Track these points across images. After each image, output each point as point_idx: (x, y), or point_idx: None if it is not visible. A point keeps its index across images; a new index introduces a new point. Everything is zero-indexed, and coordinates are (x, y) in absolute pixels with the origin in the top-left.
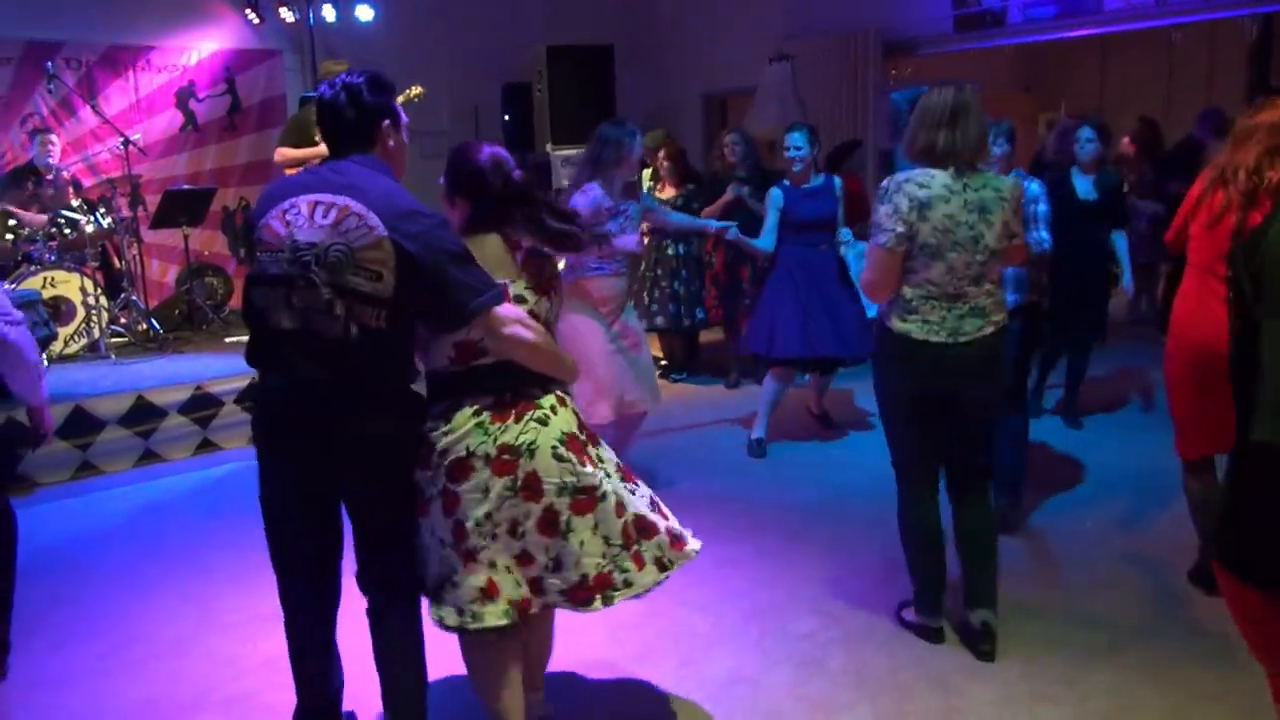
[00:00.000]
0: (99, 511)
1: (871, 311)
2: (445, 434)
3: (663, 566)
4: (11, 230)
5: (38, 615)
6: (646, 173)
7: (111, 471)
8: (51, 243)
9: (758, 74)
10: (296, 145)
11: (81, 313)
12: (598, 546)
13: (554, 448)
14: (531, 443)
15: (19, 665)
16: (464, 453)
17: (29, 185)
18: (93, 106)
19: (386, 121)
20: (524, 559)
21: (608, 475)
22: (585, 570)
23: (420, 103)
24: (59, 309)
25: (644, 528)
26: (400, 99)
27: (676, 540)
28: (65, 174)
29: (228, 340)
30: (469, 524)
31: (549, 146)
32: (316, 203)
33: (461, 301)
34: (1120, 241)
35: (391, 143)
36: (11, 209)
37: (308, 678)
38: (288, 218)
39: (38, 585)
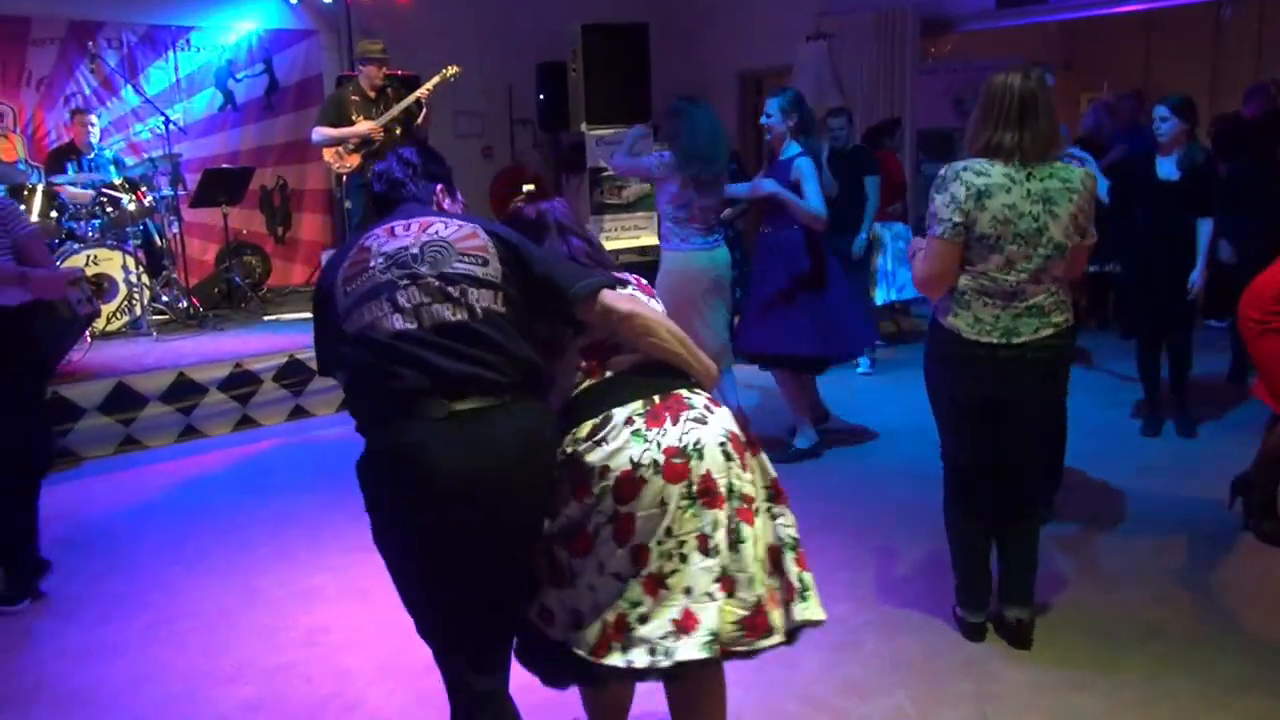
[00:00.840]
0: (142, 486)
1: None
2: (598, 447)
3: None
4: (56, 208)
5: (86, 586)
6: None
7: (153, 446)
8: (94, 220)
9: (793, 52)
10: (335, 124)
11: (124, 290)
12: (761, 566)
13: (721, 444)
14: (697, 442)
15: (70, 634)
16: (628, 465)
17: (71, 164)
18: (133, 86)
19: (440, 187)
20: (725, 581)
21: (762, 487)
22: (759, 592)
23: (455, 82)
24: (102, 286)
25: (775, 562)
26: (436, 79)
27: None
28: (107, 153)
29: (265, 318)
30: (651, 545)
31: (584, 126)
32: (391, 226)
33: (569, 281)
34: (1203, 227)
35: (457, 201)
36: (56, 187)
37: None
38: (365, 244)
39: (86, 556)
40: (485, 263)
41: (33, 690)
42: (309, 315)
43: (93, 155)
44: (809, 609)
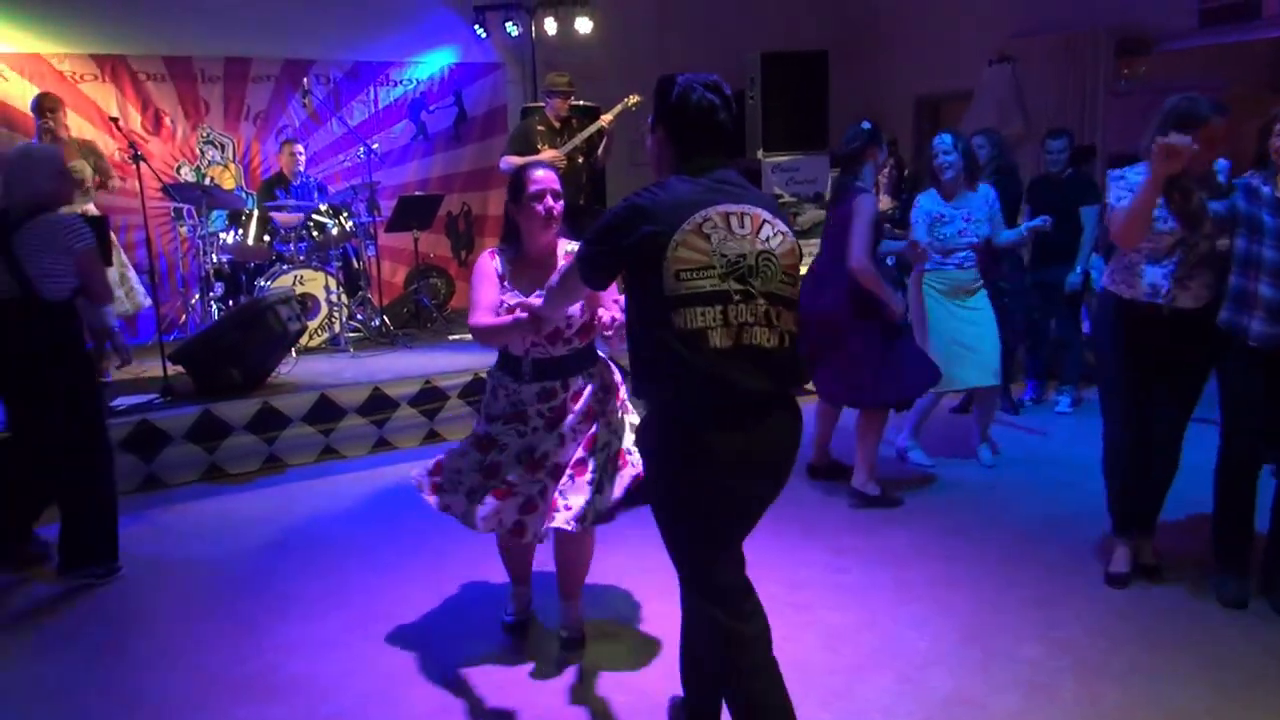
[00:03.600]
0: (340, 493)
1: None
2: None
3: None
4: (269, 232)
5: (294, 584)
6: None
7: (350, 456)
8: (301, 243)
9: (974, 76)
10: (522, 153)
11: (325, 309)
12: None
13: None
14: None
15: (282, 630)
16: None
17: (280, 191)
18: (338, 119)
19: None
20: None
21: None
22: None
23: (634, 111)
24: (306, 305)
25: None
26: (617, 108)
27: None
28: (312, 181)
29: (450, 338)
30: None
31: (760, 153)
32: (728, 213)
33: None
34: None
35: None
36: (270, 212)
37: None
38: (705, 230)
39: (293, 557)
40: (795, 282)
41: (254, 679)
42: None
43: (299, 183)
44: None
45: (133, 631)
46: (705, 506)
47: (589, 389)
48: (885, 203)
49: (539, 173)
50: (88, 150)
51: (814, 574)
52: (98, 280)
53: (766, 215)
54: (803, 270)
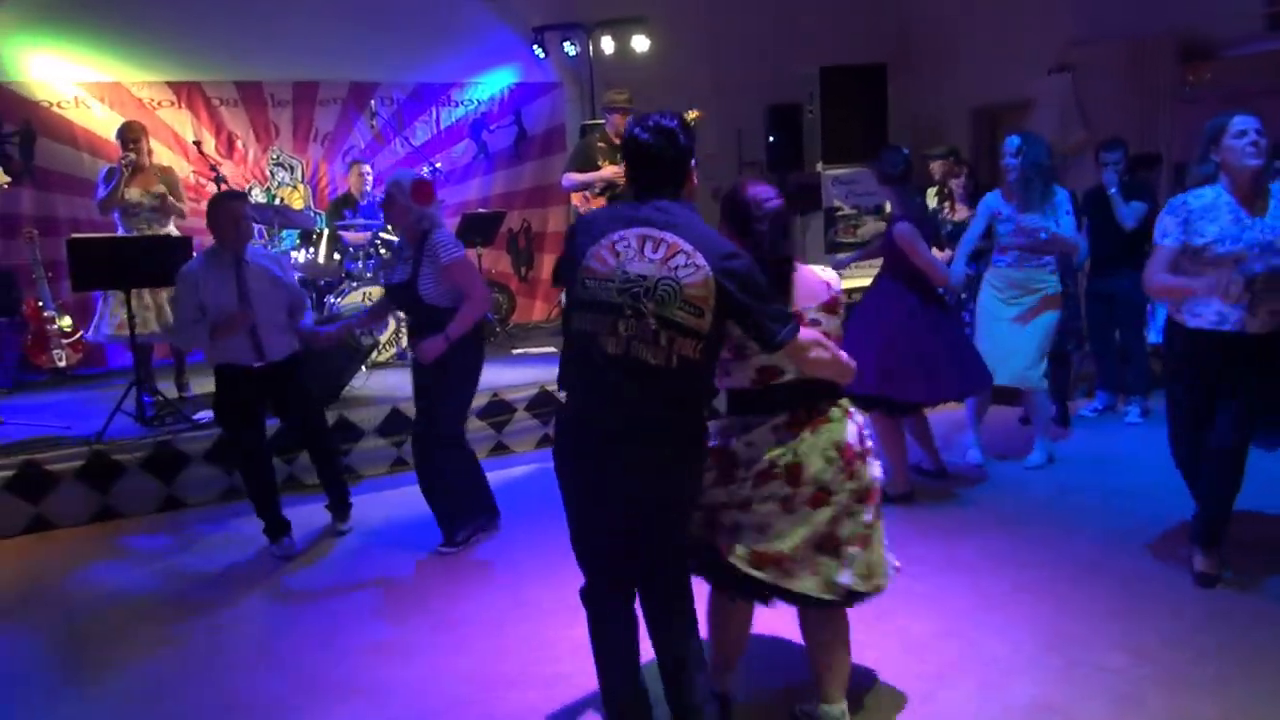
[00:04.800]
0: (412, 503)
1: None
2: (748, 447)
3: (828, 589)
4: (339, 250)
5: (372, 591)
6: (931, 191)
7: None
8: (370, 261)
9: (1032, 86)
10: (583, 170)
11: (392, 325)
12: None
13: (825, 451)
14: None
15: (368, 632)
16: (766, 463)
17: (348, 211)
18: (402, 139)
19: (693, 163)
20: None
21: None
22: (781, 547)
23: (696, 127)
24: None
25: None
26: None
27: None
28: (378, 200)
29: (514, 351)
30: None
31: (819, 166)
32: (645, 237)
33: (769, 335)
34: None
35: (695, 181)
36: (340, 231)
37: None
38: (618, 248)
39: (368, 564)
40: (701, 314)
41: (345, 681)
42: (554, 350)
43: (366, 202)
44: (858, 582)
45: (227, 633)
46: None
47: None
48: (962, 212)
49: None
50: (167, 176)
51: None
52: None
53: (686, 247)
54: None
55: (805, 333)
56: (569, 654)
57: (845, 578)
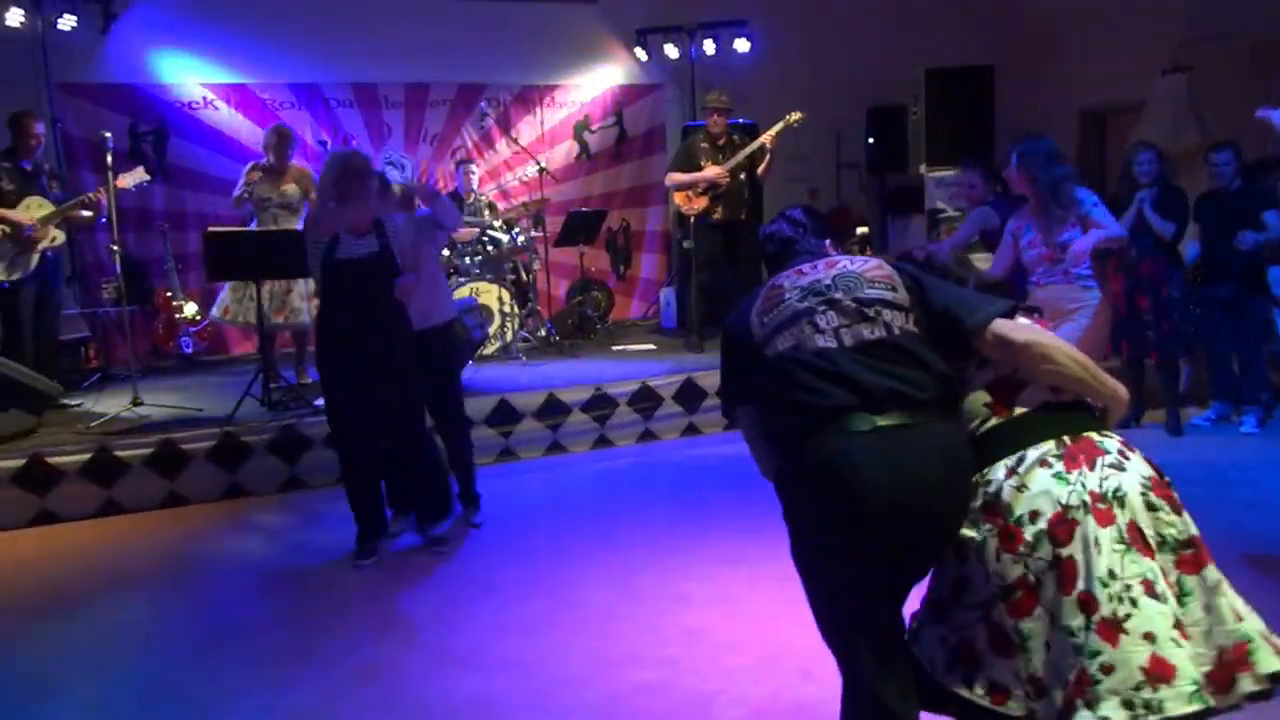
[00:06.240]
0: (520, 491)
1: None
2: (1019, 491)
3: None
4: (448, 246)
5: (490, 572)
6: None
7: (526, 458)
8: (477, 257)
9: (1144, 87)
10: (685, 170)
11: (498, 319)
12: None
13: (1143, 493)
14: (1118, 489)
15: (485, 611)
16: (1058, 507)
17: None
18: (508, 139)
19: (829, 241)
20: (1180, 629)
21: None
22: (1221, 643)
23: (797, 129)
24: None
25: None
26: (779, 125)
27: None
28: (483, 198)
29: (614, 348)
30: (1096, 590)
31: (923, 168)
32: (799, 268)
33: (968, 312)
34: None
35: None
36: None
37: None
38: (777, 283)
39: (485, 547)
40: (894, 289)
41: (472, 654)
42: (652, 346)
43: (472, 200)
44: (1267, 660)
45: (358, 605)
46: (814, 567)
47: None
48: None
49: None
50: (301, 175)
51: None
52: None
53: (845, 257)
54: None
55: (1019, 320)
56: (677, 640)
57: None
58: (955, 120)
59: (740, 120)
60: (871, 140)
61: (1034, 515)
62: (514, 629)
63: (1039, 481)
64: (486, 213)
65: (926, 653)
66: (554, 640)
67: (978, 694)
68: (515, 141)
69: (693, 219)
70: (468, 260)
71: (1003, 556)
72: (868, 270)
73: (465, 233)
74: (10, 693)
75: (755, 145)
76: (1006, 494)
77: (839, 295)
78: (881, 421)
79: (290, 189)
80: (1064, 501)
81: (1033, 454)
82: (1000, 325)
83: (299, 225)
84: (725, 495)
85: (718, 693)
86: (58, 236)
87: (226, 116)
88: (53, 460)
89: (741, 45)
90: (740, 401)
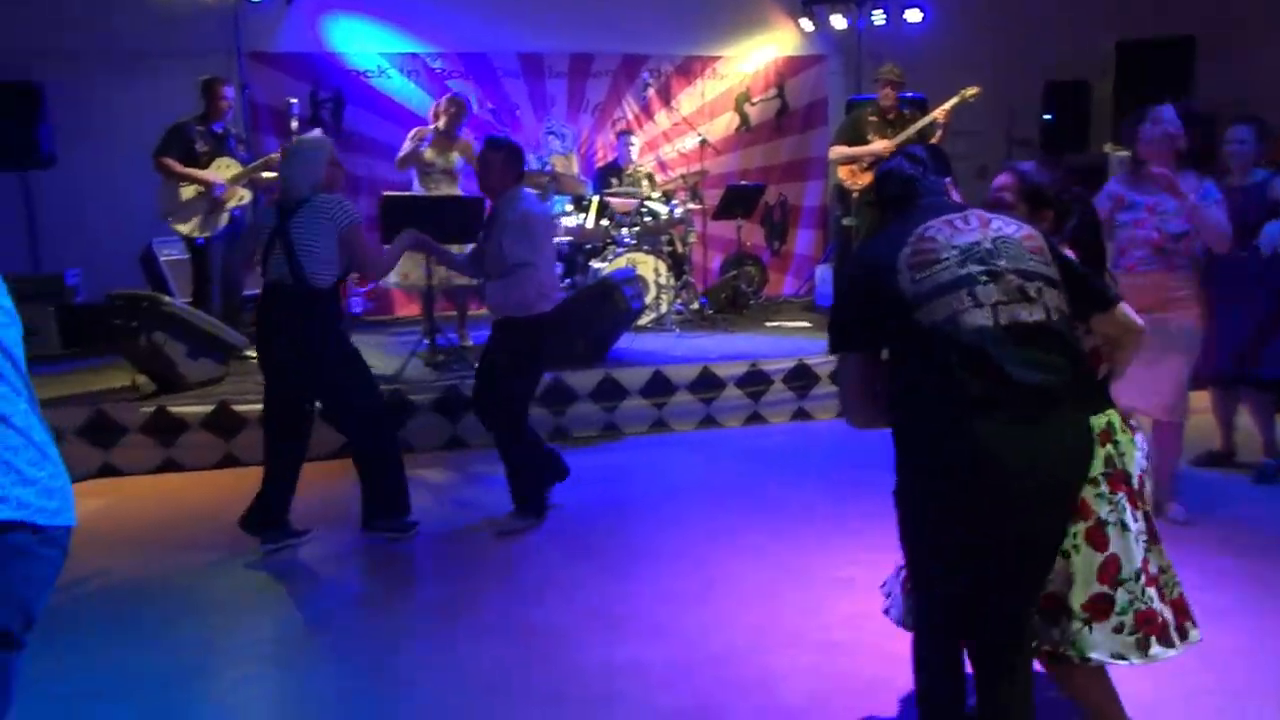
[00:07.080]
0: (671, 464)
1: None
2: (1123, 456)
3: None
4: (607, 216)
5: (638, 541)
6: None
7: (679, 430)
8: (634, 228)
9: None
10: (851, 144)
11: (653, 291)
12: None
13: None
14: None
15: (638, 576)
16: (1135, 470)
17: (614, 179)
18: (668, 110)
19: (949, 180)
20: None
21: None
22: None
23: (974, 103)
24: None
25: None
26: (954, 100)
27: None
28: (642, 170)
29: (768, 324)
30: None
31: (1108, 146)
32: (950, 220)
33: (1103, 290)
34: None
35: (955, 195)
36: (607, 197)
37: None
38: (927, 234)
39: (632, 520)
40: (1048, 263)
41: (630, 618)
42: (807, 324)
43: (631, 171)
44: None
45: (515, 561)
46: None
47: None
48: None
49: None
50: (465, 146)
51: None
52: (364, 254)
53: (996, 216)
54: None
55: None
56: (840, 623)
57: None
58: (1147, 96)
59: (909, 94)
60: (1047, 116)
61: (1127, 474)
62: (672, 599)
63: (1129, 446)
64: (645, 184)
65: (1104, 647)
66: (713, 613)
67: (1193, 639)
68: (676, 112)
69: (856, 195)
70: (625, 231)
71: (1136, 514)
72: (1024, 239)
73: (623, 204)
74: (204, 621)
75: (927, 120)
76: (1119, 461)
77: (1002, 264)
78: (1028, 412)
79: (454, 157)
80: (1128, 469)
81: (1119, 421)
82: (1126, 307)
83: (458, 192)
84: (883, 478)
85: (879, 680)
86: (245, 196)
87: (399, 85)
88: (237, 408)
89: (914, 15)
90: (857, 347)
